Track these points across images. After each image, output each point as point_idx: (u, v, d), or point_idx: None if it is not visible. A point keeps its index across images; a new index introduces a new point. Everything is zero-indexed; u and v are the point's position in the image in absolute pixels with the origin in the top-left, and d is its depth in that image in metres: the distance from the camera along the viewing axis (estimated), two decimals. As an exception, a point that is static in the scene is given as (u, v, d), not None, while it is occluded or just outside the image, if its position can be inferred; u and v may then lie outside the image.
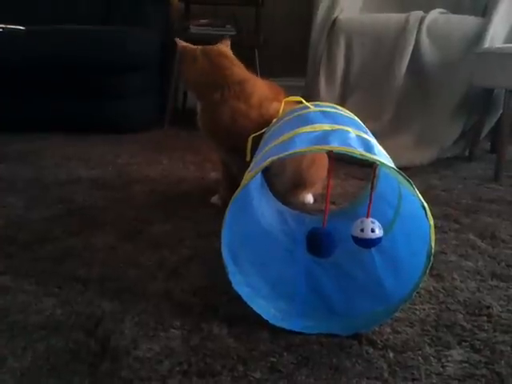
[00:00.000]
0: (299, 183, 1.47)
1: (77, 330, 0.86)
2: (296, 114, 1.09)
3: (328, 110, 1.09)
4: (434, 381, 0.76)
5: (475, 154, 2.17)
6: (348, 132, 0.88)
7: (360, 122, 1.10)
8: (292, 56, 2.97)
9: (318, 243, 0.90)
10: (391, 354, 0.82)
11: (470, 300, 0.99)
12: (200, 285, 1.03)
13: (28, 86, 2.52)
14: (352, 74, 2.29)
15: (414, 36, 2.17)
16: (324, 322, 0.89)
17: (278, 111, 1.28)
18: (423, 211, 0.78)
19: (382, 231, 0.90)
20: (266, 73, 2.90)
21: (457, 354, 0.82)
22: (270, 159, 0.81)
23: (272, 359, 0.80)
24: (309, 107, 1.09)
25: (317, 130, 0.89)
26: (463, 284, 1.05)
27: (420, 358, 0.81)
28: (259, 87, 1.42)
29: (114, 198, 1.57)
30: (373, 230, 0.89)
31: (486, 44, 2.06)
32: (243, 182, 0.85)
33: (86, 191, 1.64)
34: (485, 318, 0.93)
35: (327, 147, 0.82)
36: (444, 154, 2.15)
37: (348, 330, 0.87)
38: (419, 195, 0.77)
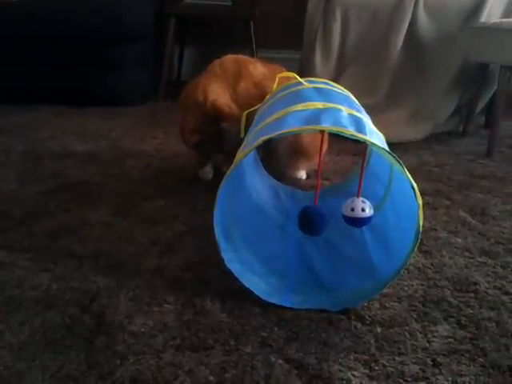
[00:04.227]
0: (299, 151, 1.47)
1: (72, 305, 0.88)
2: (289, 90, 1.09)
3: (321, 86, 1.09)
4: (420, 355, 0.78)
5: (469, 129, 2.17)
6: (340, 110, 0.89)
7: (353, 98, 1.11)
8: (288, 29, 2.93)
9: (309, 222, 0.91)
10: (379, 329, 0.84)
11: (458, 276, 1.01)
12: (193, 260, 1.05)
13: (21, 57, 2.49)
14: (348, 48, 2.26)
15: (411, 9, 2.14)
16: (314, 298, 0.91)
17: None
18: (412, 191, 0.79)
19: (372, 210, 0.91)
20: (261, 45, 2.89)
21: (443, 329, 0.84)
22: (261, 139, 0.82)
23: (263, 334, 0.82)
24: (302, 83, 1.09)
25: (309, 108, 0.89)
26: (452, 260, 1.07)
27: (407, 333, 0.83)
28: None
29: (108, 173, 1.57)
30: (363, 210, 0.90)
31: (483, 18, 2.04)
32: (235, 160, 0.86)
33: (81, 166, 1.64)
34: (472, 294, 0.95)
35: (319, 127, 0.83)
36: (438, 129, 2.16)
37: (337, 305, 0.89)
38: (409, 176, 0.79)
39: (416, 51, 2.18)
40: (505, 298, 0.94)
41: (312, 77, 2.21)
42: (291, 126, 0.83)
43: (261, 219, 1.14)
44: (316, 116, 0.85)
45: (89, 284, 0.95)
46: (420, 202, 0.79)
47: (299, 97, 0.98)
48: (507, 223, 1.26)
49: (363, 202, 0.91)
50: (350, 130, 0.79)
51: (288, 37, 2.87)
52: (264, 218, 1.15)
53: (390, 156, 0.79)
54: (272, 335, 0.82)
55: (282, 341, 0.81)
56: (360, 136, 0.79)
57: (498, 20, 1.99)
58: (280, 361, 0.76)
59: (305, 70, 2.28)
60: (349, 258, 1.02)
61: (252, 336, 0.82)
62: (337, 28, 2.23)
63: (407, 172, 0.79)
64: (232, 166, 0.85)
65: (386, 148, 0.81)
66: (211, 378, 0.72)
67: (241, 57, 1.53)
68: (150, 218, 1.25)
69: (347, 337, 0.82)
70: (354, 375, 0.74)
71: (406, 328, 0.85)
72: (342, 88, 1.14)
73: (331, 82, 1.16)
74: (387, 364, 0.76)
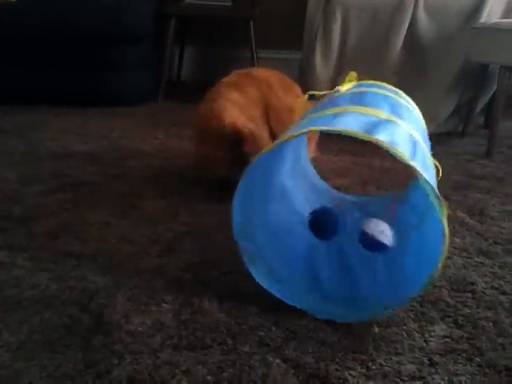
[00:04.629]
0: None
1: (70, 305, 0.88)
2: (356, 90, 1.07)
3: (389, 94, 1.05)
4: (417, 355, 0.78)
5: (468, 129, 2.18)
6: (399, 126, 0.84)
7: (417, 113, 1.09)
8: (288, 29, 2.93)
9: (321, 225, 0.90)
10: (376, 329, 0.84)
11: (456, 276, 1.01)
12: (192, 260, 1.05)
13: (21, 58, 2.49)
14: (348, 49, 2.27)
15: (411, 10, 2.14)
16: (315, 305, 0.89)
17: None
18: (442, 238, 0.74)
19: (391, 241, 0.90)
20: (261, 46, 2.90)
21: (440, 329, 0.85)
22: (309, 128, 0.81)
23: (260, 333, 0.83)
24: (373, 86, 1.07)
25: (370, 113, 0.85)
26: (450, 260, 1.07)
27: (404, 333, 0.84)
28: None
29: (108, 173, 1.57)
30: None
31: (483, 19, 2.04)
32: (269, 146, 0.82)
33: (81, 166, 1.64)
34: (469, 294, 0.95)
35: (373, 139, 0.74)
36: (438, 129, 2.15)
37: (323, 314, 0.87)
38: (445, 224, 0.73)
39: (416, 51, 2.18)
40: (502, 297, 0.94)
41: (312, 77, 2.24)
42: (348, 127, 0.78)
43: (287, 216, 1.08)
44: (374, 126, 0.79)
45: (87, 283, 0.95)
46: (445, 253, 0.74)
47: (361, 99, 0.95)
48: (506, 223, 1.26)
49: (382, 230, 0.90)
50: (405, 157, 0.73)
51: (288, 37, 2.87)
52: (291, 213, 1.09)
53: (434, 199, 0.73)
54: (269, 335, 0.82)
55: (279, 340, 0.81)
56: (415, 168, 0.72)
57: (498, 20, 1.99)
58: (277, 360, 0.76)
59: (305, 70, 2.29)
60: (359, 274, 0.99)
61: (249, 335, 0.82)
62: (337, 28, 2.23)
63: (445, 219, 0.73)
64: (260, 153, 0.81)
65: (435, 188, 0.74)
66: (208, 377, 0.73)
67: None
68: (150, 218, 1.25)
69: (345, 336, 0.82)
70: (351, 374, 0.74)
71: (404, 328, 0.85)
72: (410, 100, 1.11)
73: (401, 92, 1.12)
74: (384, 363, 0.76)
